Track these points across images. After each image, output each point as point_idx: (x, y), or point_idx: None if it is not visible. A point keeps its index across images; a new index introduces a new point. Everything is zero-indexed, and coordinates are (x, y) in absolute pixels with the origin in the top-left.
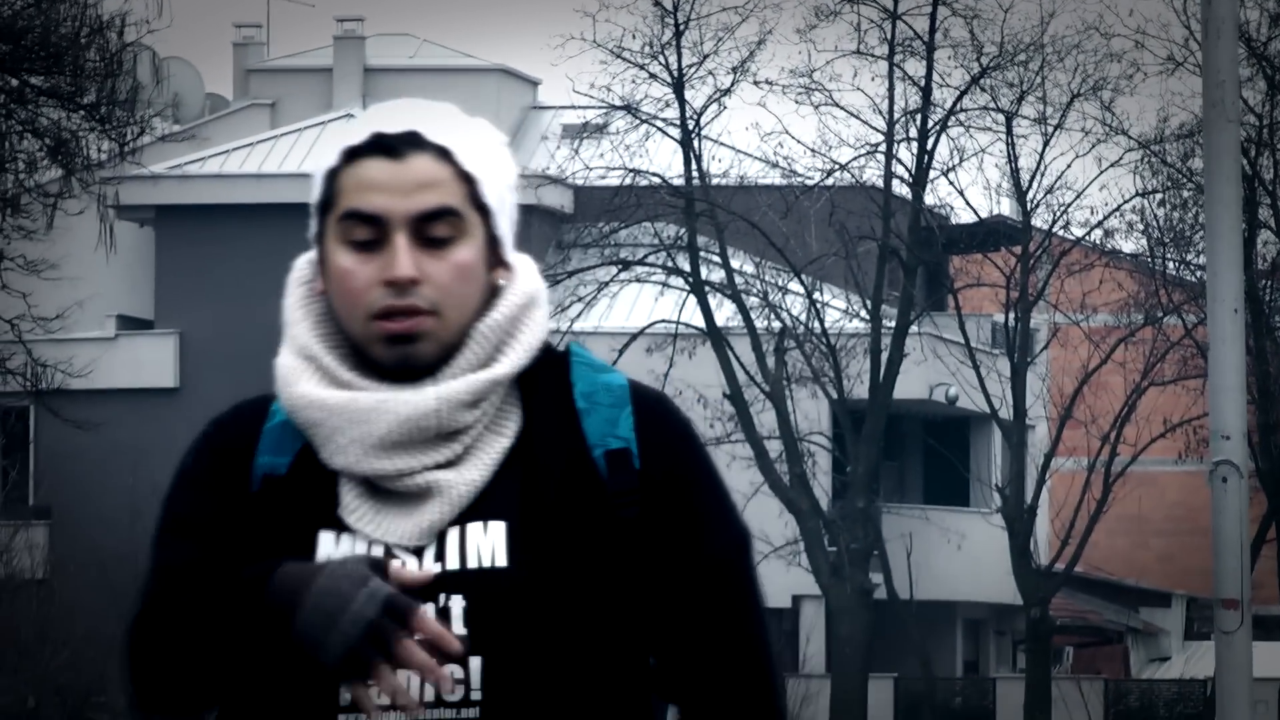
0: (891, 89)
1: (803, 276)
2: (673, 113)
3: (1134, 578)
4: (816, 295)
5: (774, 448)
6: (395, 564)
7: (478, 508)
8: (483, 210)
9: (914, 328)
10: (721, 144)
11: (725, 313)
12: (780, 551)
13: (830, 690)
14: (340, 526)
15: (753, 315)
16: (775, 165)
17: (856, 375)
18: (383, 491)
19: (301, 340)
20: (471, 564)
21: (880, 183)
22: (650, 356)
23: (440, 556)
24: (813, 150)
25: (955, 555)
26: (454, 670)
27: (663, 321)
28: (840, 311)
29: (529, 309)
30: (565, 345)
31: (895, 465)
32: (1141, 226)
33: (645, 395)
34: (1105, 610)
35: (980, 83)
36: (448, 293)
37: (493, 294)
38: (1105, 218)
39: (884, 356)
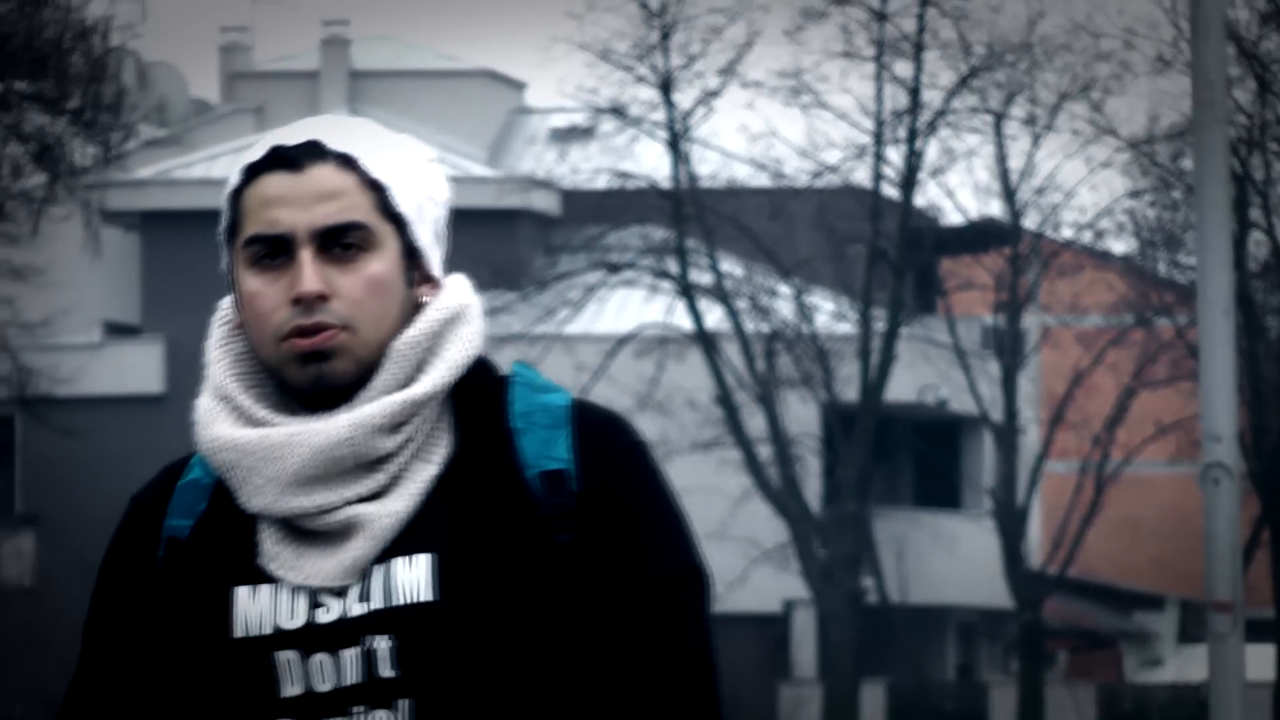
0: (880, 90)
1: (792, 279)
2: (660, 115)
3: (1127, 581)
4: (806, 298)
5: (764, 451)
6: None
7: (403, 541)
8: (396, 220)
9: (904, 330)
10: (710, 146)
11: (714, 316)
12: (771, 556)
13: (822, 695)
14: (257, 578)
15: (742, 318)
16: (764, 168)
17: (846, 378)
18: (304, 533)
19: (217, 380)
20: (397, 600)
21: (869, 184)
22: (639, 360)
23: (365, 596)
24: (801, 152)
25: (947, 559)
26: (383, 717)
27: (651, 325)
28: (830, 314)
29: (454, 324)
30: (510, 366)
31: (886, 468)
32: (1132, 227)
33: (591, 415)
34: (1098, 614)
35: (969, 83)
36: (359, 306)
37: (415, 311)
38: (1095, 219)
39: (874, 359)
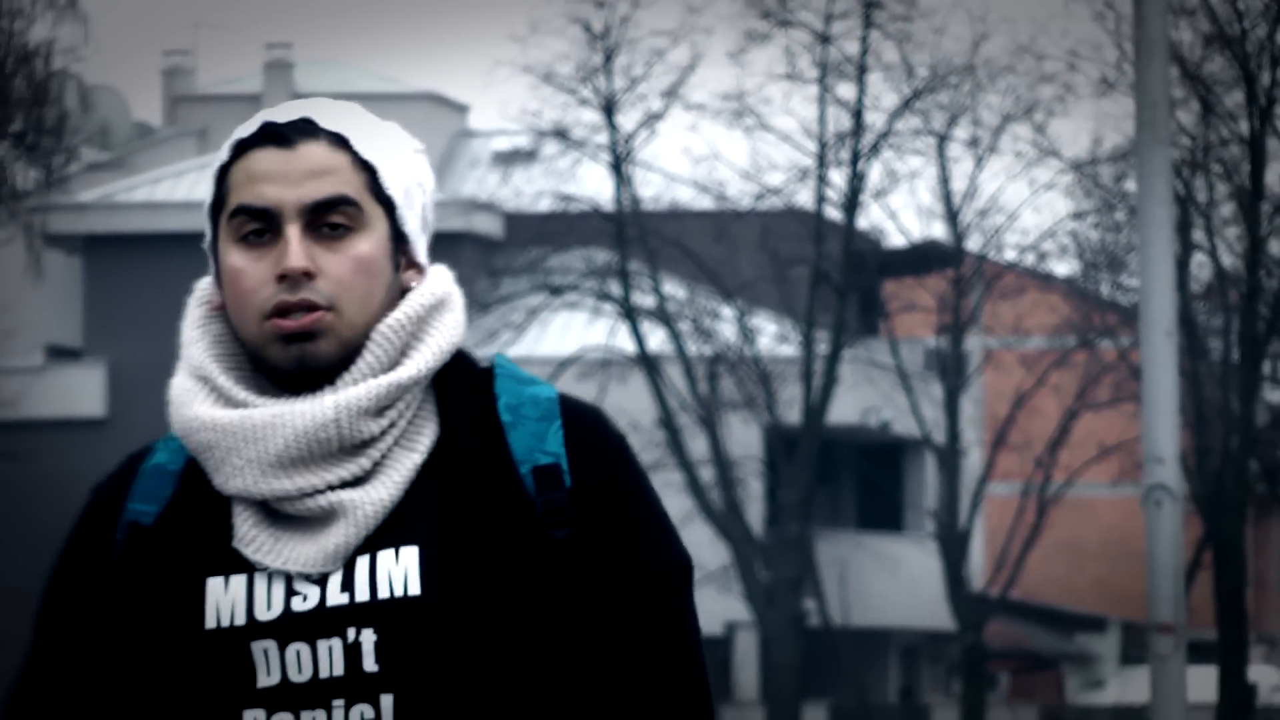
0: (823, 112)
1: (734, 301)
2: (603, 138)
3: (1069, 603)
4: (748, 320)
5: (706, 474)
6: None
7: (389, 532)
8: (385, 203)
9: (846, 352)
10: (652, 169)
11: (657, 338)
12: (713, 578)
13: (764, 718)
14: (230, 569)
15: (684, 341)
16: (706, 190)
17: (789, 400)
18: (283, 518)
19: (196, 360)
20: (382, 594)
21: (812, 207)
22: (582, 383)
23: (348, 586)
24: (744, 174)
25: (889, 581)
26: (364, 710)
27: (594, 348)
28: (772, 336)
29: (438, 310)
30: (491, 359)
31: (828, 491)
32: (1075, 249)
33: (577, 408)
34: (1040, 636)
35: (912, 105)
36: (345, 287)
37: (401, 296)
38: (1038, 240)
39: (816, 381)
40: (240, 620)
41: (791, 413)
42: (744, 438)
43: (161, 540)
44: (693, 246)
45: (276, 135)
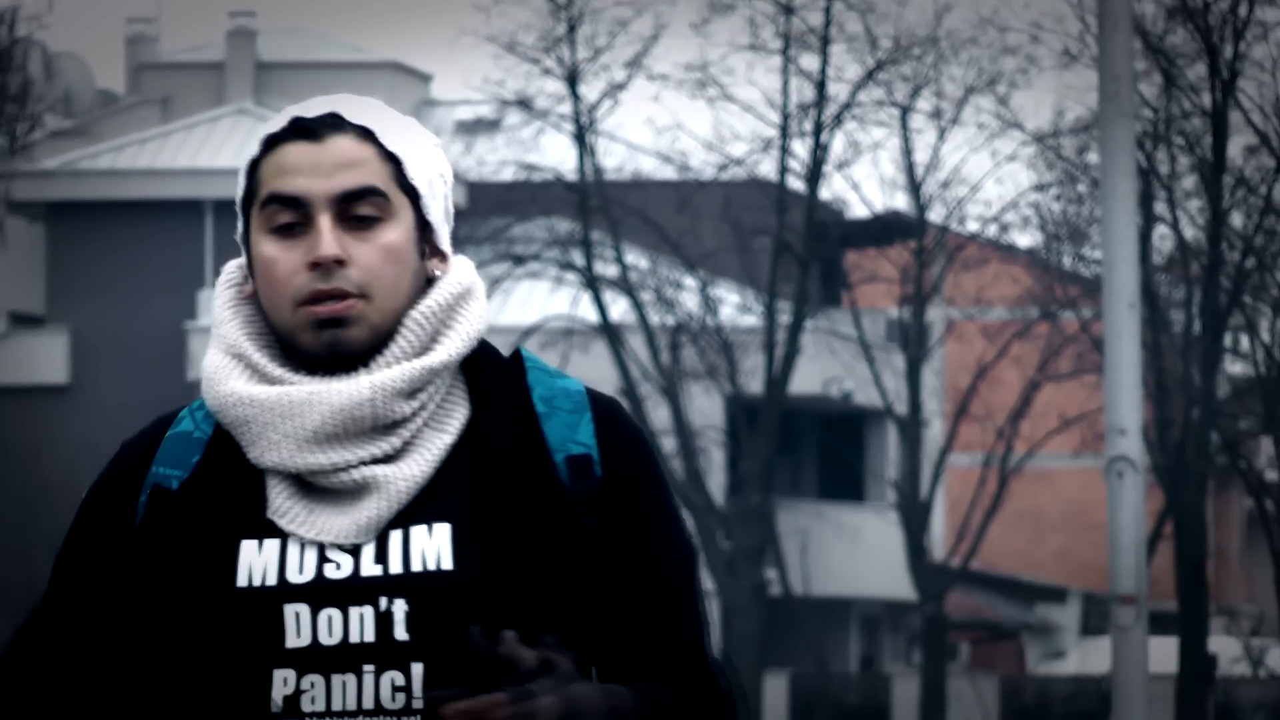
0: (786, 83)
1: (697, 271)
2: (566, 108)
3: (1030, 573)
4: (711, 290)
5: (668, 444)
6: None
7: (421, 508)
8: (410, 193)
9: (809, 323)
10: (615, 139)
11: (619, 308)
12: None
13: None
14: (264, 532)
15: (647, 310)
16: (669, 160)
17: (751, 370)
18: (315, 490)
19: (230, 338)
20: (415, 567)
21: (775, 177)
22: (544, 352)
23: (381, 558)
24: (707, 145)
25: (850, 551)
26: (395, 677)
27: (556, 317)
28: (734, 306)
29: (465, 299)
30: (514, 349)
31: (790, 461)
32: (1037, 221)
33: (604, 402)
34: (1001, 606)
35: (875, 77)
36: (375, 274)
37: (427, 284)
38: (1000, 212)
39: (778, 352)
40: (272, 581)
41: (753, 383)
42: (706, 407)
43: (189, 505)
44: (655, 216)
45: (305, 130)
